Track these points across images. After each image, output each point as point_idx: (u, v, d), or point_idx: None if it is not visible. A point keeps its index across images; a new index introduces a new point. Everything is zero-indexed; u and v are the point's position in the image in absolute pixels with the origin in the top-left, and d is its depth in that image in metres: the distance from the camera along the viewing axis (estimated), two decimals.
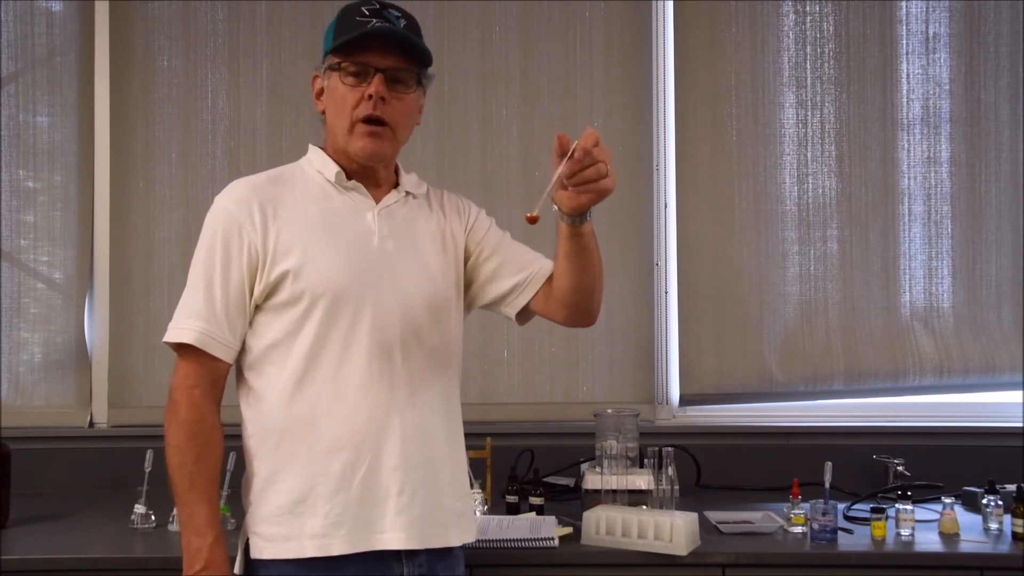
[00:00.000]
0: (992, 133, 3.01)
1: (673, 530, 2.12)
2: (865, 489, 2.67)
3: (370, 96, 1.72)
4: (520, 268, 1.88)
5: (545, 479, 2.73)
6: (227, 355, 1.74)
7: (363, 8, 1.75)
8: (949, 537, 2.30)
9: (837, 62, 3.03)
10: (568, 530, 2.29)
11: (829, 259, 3.02)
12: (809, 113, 3.04)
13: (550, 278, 1.85)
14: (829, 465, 2.33)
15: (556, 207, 1.63)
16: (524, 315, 1.91)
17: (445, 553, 1.79)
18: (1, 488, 2.44)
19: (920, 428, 2.95)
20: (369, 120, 1.74)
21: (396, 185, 1.87)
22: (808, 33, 3.04)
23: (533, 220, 1.49)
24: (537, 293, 1.87)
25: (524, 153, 3.06)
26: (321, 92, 1.82)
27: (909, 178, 3.03)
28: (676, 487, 2.40)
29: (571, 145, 1.52)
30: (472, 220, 1.92)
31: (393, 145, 1.79)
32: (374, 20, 1.73)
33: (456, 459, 1.84)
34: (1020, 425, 2.89)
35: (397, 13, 1.77)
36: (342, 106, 1.75)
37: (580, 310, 1.84)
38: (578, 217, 1.65)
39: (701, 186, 3.04)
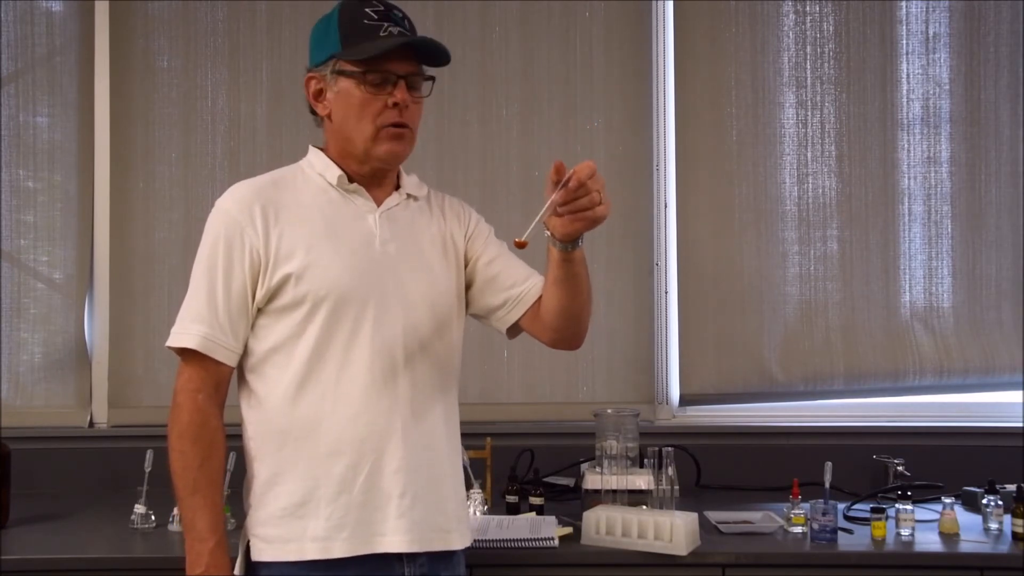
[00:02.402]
0: (992, 133, 3.01)
1: (673, 530, 2.12)
2: (865, 489, 2.67)
3: (395, 104, 1.73)
4: (513, 284, 1.87)
5: (545, 479, 2.73)
6: (230, 359, 1.74)
7: (367, 10, 1.74)
8: (949, 537, 2.30)
9: (837, 62, 3.03)
10: (568, 530, 2.29)
11: (829, 259, 3.02)
12: (809, 113, 3.04)
13: (540, 299, 1.84)
14: (829, 465, 2.33)
15: (548, 232, 1.63)
16: (513, 330, 1.92)
17: (446, 555, 1.79)
18: (1, 488, 2.44)
19: (920, 428, 2.95)
20: (394, 126, 1.74)
21: (397, 187, 1.87)
22: (808, 33, 3.04)
23: (521, 245, 1.51)
24: (528, 311, 1.86)
25: (524, 153, 3.06)
26: (319, 93, 1.80)
27: (909, 178, 3.03)
28: (676, 487, 2.40)
29: (567, 173, 1.53)
30: (472, 228, 1.92)
31: (412, 147, 1.80)
32: (385, 23, 1.73)
33: (455, 463, 1.85)
34: (1020, 425, 2.89)
35: (400, 13, 1.78)
36: (363, 113, 1.74)
37: (566, 335, 1.84)
38: (569, 243, 1.65)
39: (701, 186, 3.04)
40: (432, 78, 1.81)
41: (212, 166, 3.07)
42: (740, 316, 3.01)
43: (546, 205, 1.54)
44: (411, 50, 1.75)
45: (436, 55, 1.77)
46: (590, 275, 1.78)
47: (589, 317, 1.84)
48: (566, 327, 1.82)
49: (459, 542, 1.81)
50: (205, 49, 3.08)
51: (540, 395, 3.04)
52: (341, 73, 1.75)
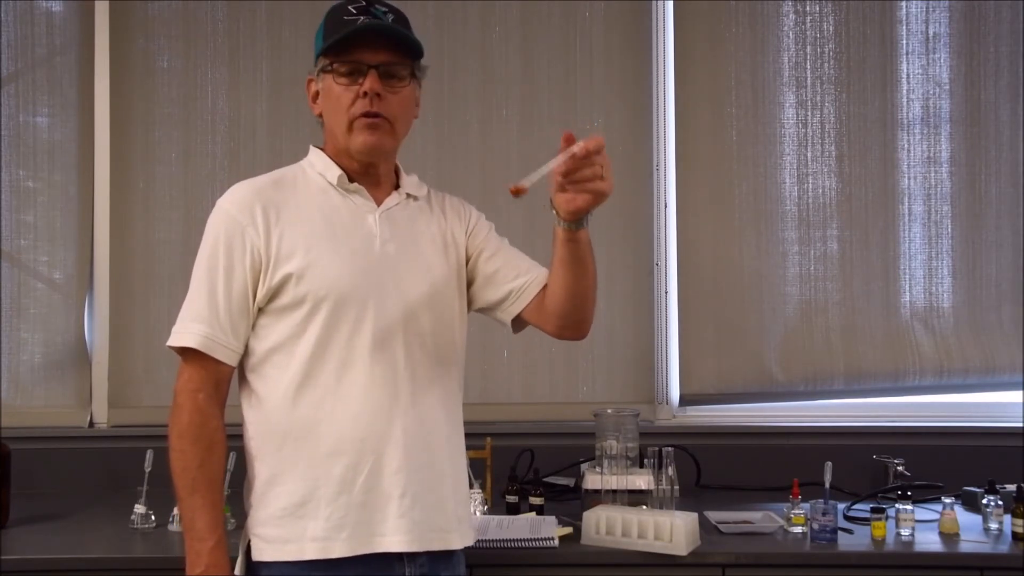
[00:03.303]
0: (992, 133, 3.01)
1: (673, 530, 2.12)
2: (865, 489, 2.67)
3: (365, 93, 1.72)
4: (517, 275, 1.88)
5: (545, 479, 2.73)
6: (231, 359, 1.74)
7: (350, 7, 1.75)
8: (949, 537, 2.30)
9: (837, 62, 3.03)
10: (568, 530, 2.29)
11: (829, 259, 3.02)
12: (809, 113, 3.04)
13: (545, 287, 1.84)
14: (829, 465, 2.33)
15: (554, 211, 1.63)
16: (518, 323, 1.92)
17: (446, 554, 1.79)
18: (1, 488, 2.44)
19: (920, 428, 2.95)
20: (366, 116, 1.74)
21: (397, 186, 1.87)
22: (808, 33, 3.04)
23: (516, 192, 1.50)
24: (531, 301, 1.86)
25: (524, 153, 3.06)
26: (317, 95, 1.81)
27: (909, 178, 3.03)
28: (676, 487, 2.41)
29: (575, 142, 1.54)
30: (472, 224, 1.92)
31: (392, 139, 1.79)
32: (361, 17, 1.73)
33: (457, 463, 1.85)
34: (1020, 425, 2.89)
35: (384, 8, 1.77)
36: (338, 106, 1.75)
37: (571, 321, 1.83)
38: (574, 222, 1.65)
39: (701, 186, 3.04)
40: (414, 65, 1.79)
41: (212, 166, 3.07)
42: (740, 316, 3.01)
43: (550, 163, 1.54)
44: (383, 40, 1.74)
45: (407, 43, 1.76)
46: None
47: (594, 304, 1.83)
48: (572, 311, 1.81)
49: (459, 542, 1.81)
50: (205, 49, 3.08)
51: (540, 395, 3.04)
52: (323, 70, 1.77)
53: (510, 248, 1.93)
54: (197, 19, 3.07)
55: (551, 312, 1.83)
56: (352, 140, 1.76)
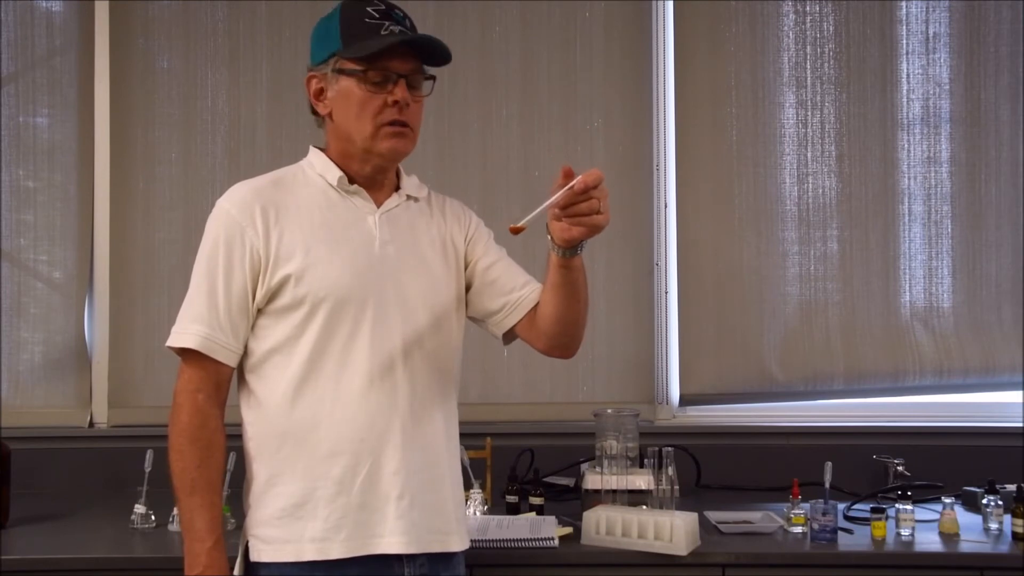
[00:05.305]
0: (992, 133, 3.01)
1: (673, 530, 2.12)
2: (865, 489, 2.67)
3: (395, 102, 1.73)
4: (511, 289, 1.87)
5: (545, 479, 2.72)
6: (230, 359, 1.74)
7: (370, 9, 1.74)
8: (949, 537, 2.30)
9: (837, 62, 3.04)
10: (568, 530, 2.29)
11: (829, 259, 3.02)
12: (809, 113, 3.04)
13: (537, 305, 1.84)
14: (829, 465, 2.34)
15: (549, 236, 1.63)
16: (509, 336, 1.92)
17: (446, 555, 1.79)
18: (1, 488, 2.44)
19: (920, 428, 2.95)
20: (393, 124, 1.74)
21: (397, 188, 1.87)
22: (808, 33, 3.04)
23: (516, 231, 1.51)
24: (524, 317, 1.86)
25: (524, 153, 3.06)
26: (320, 92, 1.80)
27: (909, 178, 3.03)
28: (676, 487, 2.41)
29: (574, 176, 1.53)
30: (472, 231, 1.92)
31: (413, 144, 1.80)
32: (386, 22, 1.73)
33: (454, 465, 1.85)
34: (1020, 425, 2.89)
35: (401, 13, 1.78)
36: (363, 111, 1.74)
37: (560, 342, 1.84)
38: (569, 249, 1.64)
39: (701, 186, 3.04)
40: (433, 77, 1.81)
41: (212, 166, 3.07)
42: (740, 316, 3.01)
43: (548, 200, 1.54)
44: (412, 49, 1.75)
45: (437, 54, 1.77)
46: (591, 275, 1.79)
47: (584, 326, 1.84)
48: (561, 334, 1.82)
49: (458, 544, 1.81)
50: (205, 49, 3.08)
51: (540, 395, 3.04)
52: (342, 72, 1.75)
53: (508, 260, 1.93)
54: (197, 19, 3.07)
55: (541, 331, 1.83)
56: (378, 144, 1.75)
